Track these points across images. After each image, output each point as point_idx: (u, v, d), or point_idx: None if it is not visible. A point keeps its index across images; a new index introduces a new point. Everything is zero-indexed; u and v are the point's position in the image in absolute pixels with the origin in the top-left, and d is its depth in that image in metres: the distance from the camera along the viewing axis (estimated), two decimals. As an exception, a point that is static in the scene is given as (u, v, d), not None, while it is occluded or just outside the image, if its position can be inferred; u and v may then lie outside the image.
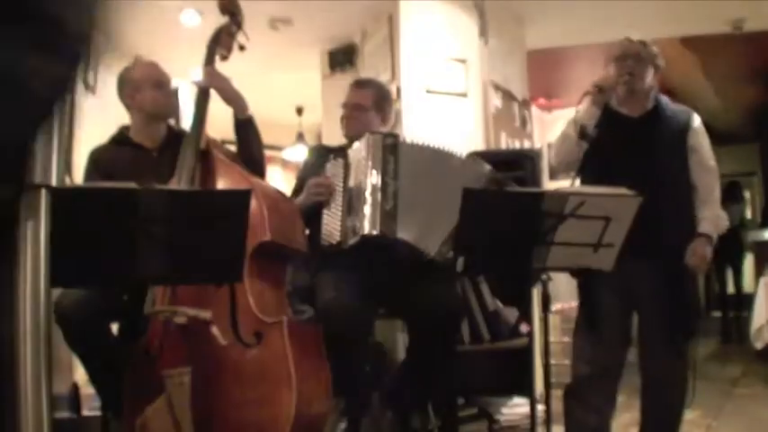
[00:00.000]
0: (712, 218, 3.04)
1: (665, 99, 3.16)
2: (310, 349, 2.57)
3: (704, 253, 2.97)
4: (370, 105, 3.40)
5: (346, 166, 3.12)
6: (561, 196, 2.40)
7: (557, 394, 3.01)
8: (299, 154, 7.73)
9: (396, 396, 3.24)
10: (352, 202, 3.04)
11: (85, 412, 3.75)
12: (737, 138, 10.41)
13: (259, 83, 5.79)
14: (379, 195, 2.98)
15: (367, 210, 2.98)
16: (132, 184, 1.98)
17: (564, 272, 2.78)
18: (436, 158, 3.16)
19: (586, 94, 3.05)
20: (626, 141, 3.04)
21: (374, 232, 2.95)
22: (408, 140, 3.19)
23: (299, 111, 8.22)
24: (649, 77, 3.10)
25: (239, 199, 2.06)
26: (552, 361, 5.56)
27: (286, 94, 7.41)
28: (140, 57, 5.32)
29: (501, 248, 2.51)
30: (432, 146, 3.19)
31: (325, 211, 3.08)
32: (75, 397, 3.81)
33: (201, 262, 2.12)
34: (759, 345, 5.41)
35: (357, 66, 5.56)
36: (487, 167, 3.23)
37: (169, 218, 2.02)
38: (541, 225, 2.43)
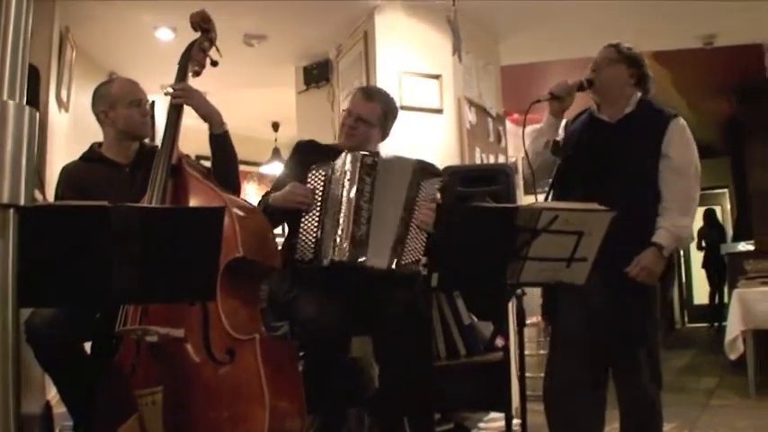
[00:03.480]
0: (670, 228, 2.87)
1: (650, 102, 3.05)
2: (284, 366, 2.56)
3: (647, 264, 2.84)
4: (375, 121, 3.29)
5: (325, 180, 3.05)
6: (534, 211, 2.40)
7: (532, 408, 3.00)
8: (275, 169, 7.71)
9: (378, 409, 3.22)
10: (326, 221, 3.00)
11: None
12: (710, 152, 10.50)
13: (235, 98, 5.82)
14: (351, 220, 2.97)
15: (338, 234, 2.97)
16: (104, 203, 1.95)
17: (537, 287, 2.76)
18: (395, 168, 3.12)
19: (536, 103, 3.00)
20: (598, 148, 3.00)
21: (342, 259, 2.94)
22: (384, 158, 3.12)
23: (275, 126, 8.23)
24: (618, 75, 3.02)
25: (213, 216, 2.04)
26: (528, 374, 5.59)
27: (262, 109, 7.43)
28: (114, 73, 5.35)
29: (475, 264, 2.51)
30: (398, 158, 3.16)
31: (301, 223, 3.01)
32: (47, 416, 3.77)
33: (174, 280, 2.09)
34: (733, 356, 5.45)
35: (332, 82, 5.58)
36: (412, 161, 3.16)
37: (141, 236, 1.99)
38: (515, 240, 2.44)
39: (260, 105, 7.23)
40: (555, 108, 3.03)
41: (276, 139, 8.29)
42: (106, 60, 5.51)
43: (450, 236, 2.41)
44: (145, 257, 2.01)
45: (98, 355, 2.77)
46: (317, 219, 3.01)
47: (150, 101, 3.21)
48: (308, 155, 3.21)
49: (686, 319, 12.45)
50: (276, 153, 8.20)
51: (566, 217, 2.42)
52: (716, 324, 10.69)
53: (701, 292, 12.52)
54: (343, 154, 3.09)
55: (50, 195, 3.37)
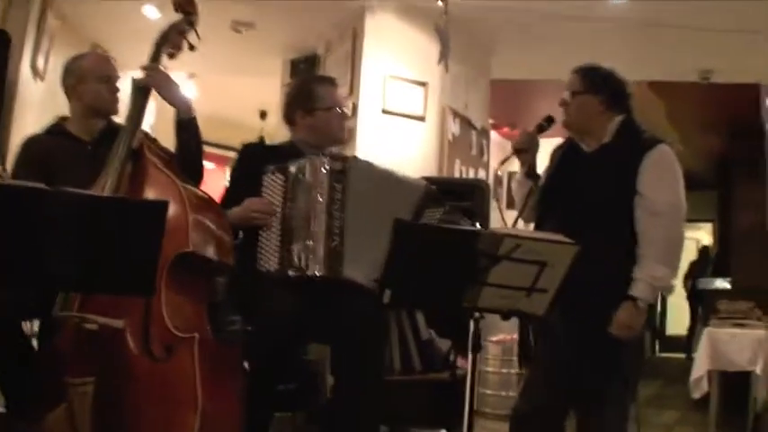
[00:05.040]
0: (646, 278, 2.62)
1: (632, 129, 2.79)
2: (223, 370, 2.47)
3: (626, 321, 2.63)
4: None
5: (286, 185, 2.93)
6: (496, 237, 2.32)
7: (486, 425, 2.94)
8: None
9: (328, 421, 3.14)
10: (293, 230, 2.88)
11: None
12: (697, 183, 10.51)
13: (223, 84, 5.74)
14: (323, 230, 2.85)
15: (311, 247, 2.84)
16: (40, 185, 1.88)
17: (495, 313, 2.66)
18: (381, 180, 3.02)
19: (505, 162, 2.89)
20: (571, 180, 2.83)
21: (319, 273, 2.83)
22: (355, 163, 3.01)
23: (263, 114, 8.17)
24: (585, 107, 2.77)
25: (154, 211, 1.96)
26: (489, 391, 5.56)
27: (249, 97, 7.37)
28: (98, 46, 5.25)
29: (431, 284, 2.42)
30: (376, 166, 3.06)
31: (260, 234, 2.91)
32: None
33: (112, 272, 2.01)
34: (697, 394, 5.41)
35: (319, 77, 5.50)
36: (423, 184, 3.10)
37: (80, 223, 1.92)
38: (475, 264, 2.36)
39: (247, 93, 7.16)
40: (524, 159, 2.88)
41: (263, 129, 8.22)
42: (91, 33, 5.43)
43: (407, 254, 2.32)
44: (83, 245, 1.94)
45: (42, 337, 2.69)
46: (279, 228, 2.90)
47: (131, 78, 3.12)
48: (257, 160, 3.06)
49: (657, 348, 12.43)
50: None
51: (528, 246, 2.34)
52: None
53: (675, 323, 12.52)
54: (307, 159, 2.96)
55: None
